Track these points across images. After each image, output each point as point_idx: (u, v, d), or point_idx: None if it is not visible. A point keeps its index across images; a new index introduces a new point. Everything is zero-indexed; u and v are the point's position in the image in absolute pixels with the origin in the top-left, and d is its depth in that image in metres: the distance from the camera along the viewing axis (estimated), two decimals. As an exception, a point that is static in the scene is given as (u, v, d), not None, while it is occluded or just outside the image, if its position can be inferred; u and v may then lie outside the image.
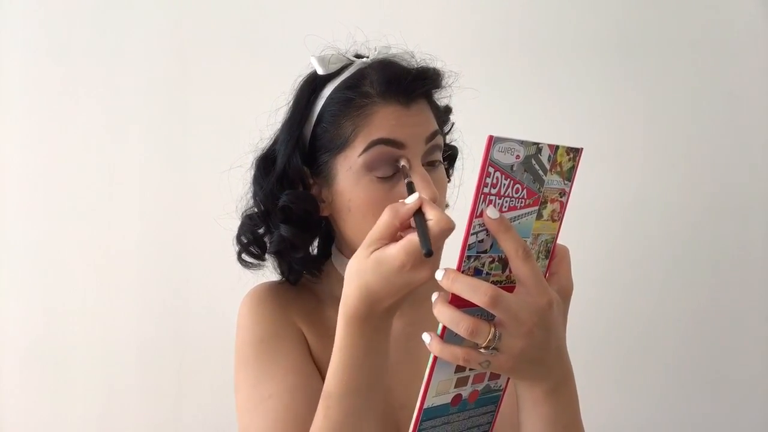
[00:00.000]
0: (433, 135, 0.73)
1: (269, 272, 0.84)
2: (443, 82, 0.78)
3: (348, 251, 0.78)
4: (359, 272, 0.58)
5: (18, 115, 1.45)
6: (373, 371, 0.62)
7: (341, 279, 0.78)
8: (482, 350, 0.52)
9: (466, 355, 0.52)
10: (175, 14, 1.43)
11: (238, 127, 1.38)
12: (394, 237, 0.57)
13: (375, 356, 0.62)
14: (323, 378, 0.73)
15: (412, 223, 0.57)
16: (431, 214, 0.55)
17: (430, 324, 0.81)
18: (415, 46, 0.80)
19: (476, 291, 0.51)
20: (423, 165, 0.72)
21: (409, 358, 0.80)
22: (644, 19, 1.39)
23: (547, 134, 0.70)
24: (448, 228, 0.55)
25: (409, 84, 0.72)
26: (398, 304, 0.59)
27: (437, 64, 0.78)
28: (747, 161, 1.38)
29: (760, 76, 1.37)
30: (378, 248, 0.57)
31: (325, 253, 0.86)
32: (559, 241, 0.59)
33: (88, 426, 1.47)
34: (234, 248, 0.81)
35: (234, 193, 0.84)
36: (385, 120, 0.70)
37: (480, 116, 0.88)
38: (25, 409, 1.47)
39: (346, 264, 0.75)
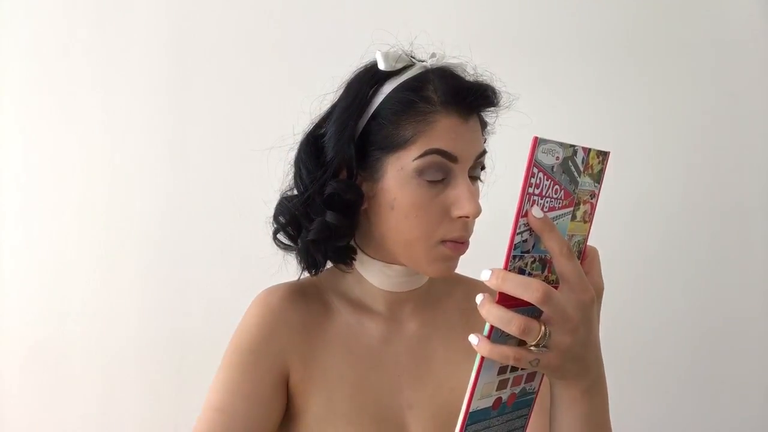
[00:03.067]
0: (482, 154, 0.76)
1: (270, 274, 0.82)
2: (499, 103, 0.78)
3: (374, 249, 0.78)
4: None
5: (18, 115, 1.48)
6: None
7: (359, 279, 0.81)
8: (532, 348, 0.52)
9: (517, 354, 0.52)
10: (175, 14, 1.47)
11: (239, 127, 1.41)
12: None
13: None
14: (313, 388, 0.77)
15: None
16: None
17: (443, 326, 0.82)
18: (416, 46, 0.81)
19: (528, 288, 0.51)
20: None
21: (419, 358, 0.81)
22: (645, 22, 1.42)
23: (547, 136, 0.70)
24: None
25: (472, 99, 0.73)
26: None
27: (496, 84, 0.78)
28: (748, 161, 1.39)
29: (760, 76, 1.39)
30: None
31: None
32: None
33: (88, 426, 1.46)
34: (270, 227, 0.80)
35: (235, 194, 0.84)
36: (445, 131, 0.71)
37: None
38: (26, 408, 1.47)
39: (365, 262, 0.80)
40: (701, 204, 1.41)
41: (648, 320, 1.41)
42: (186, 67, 1.47)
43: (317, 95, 0.79)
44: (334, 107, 0.78)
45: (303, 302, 0.81)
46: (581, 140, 0.55)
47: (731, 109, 1.40)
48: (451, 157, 0.71)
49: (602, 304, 0.58)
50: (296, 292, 0.82)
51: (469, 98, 0.73)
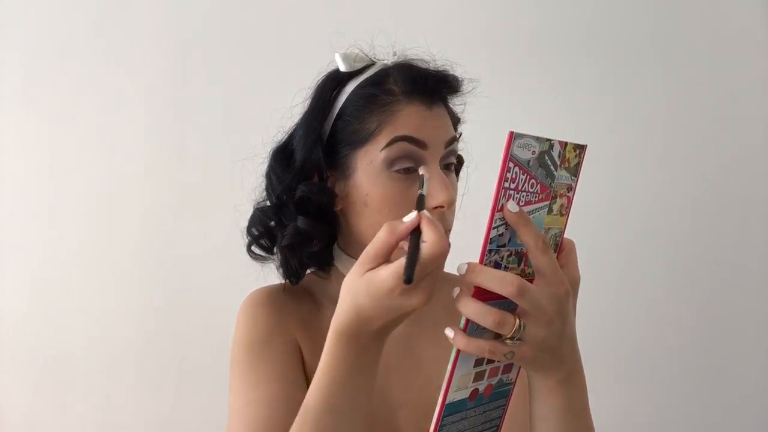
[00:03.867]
0: (452, 140, 0.75)
1: (269, 274, 0.83)
2: (462, 89, 0.79)
3: (354, 249, 0.78)
4: (351, 291, 0.57)
5: (18, 115, 1.46)
6: (356, 391, 0.61)
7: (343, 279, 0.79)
8: (507, 341, 0.53)
9: (492, 347, 0.53)
10: (176, 14, 1.45)
11: (239, 127, 1.41)
12: (389, 255, 0.56)
13: (360, 376, 0.60)
14: None
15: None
16: (427, 235, 0.53)
17: (429, 324, 0.81)
18: (413, 47, 0.81)
19: (503, 282, 0.51)
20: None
21: (408, 357, 0.81)
22: (645, 22, 1.41)
23: (523, 130, 0.72)
24: (441, 253, 0.53)
25: (432, 85, 0.74)
26: (391, 326, 0.58)
27: (457, 71, 0.79)
28: (747, 161, 1.39)
29: (760, 76, 1.38)
30: (372, 268, 0.56)
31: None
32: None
33: (88, 426, 1.47)
34: (244, 240, 0.81)
35: (236, 192, 0.84)
36: (409, 118, 0.71)
37: (477, 120, 0.88)
38: (26, 408, 1.48)
39: (348, 264, 0.76)
40: (699, 204, 1.40)
41: (639, 319, 1.40)
42: (186, 68, 1.46)
43: (285, 107, 0.80)
44: (302, 116, 0.78)
45: (295, 301, 0.81)
46: (577, 140, 0.56)
47: (726, 107, 1.39)
48: (418, 143, 0.71)
49: (595, 304, 0.59)
50: (287, 291, 0.82)
51: (429, 84, 0.73)
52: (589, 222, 1.24)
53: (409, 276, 0.50)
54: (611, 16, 1.42)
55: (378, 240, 0.55)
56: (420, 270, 0.51)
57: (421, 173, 0.68)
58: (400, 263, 0.53)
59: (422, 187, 0.63)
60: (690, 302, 1.40)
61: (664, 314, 1.40)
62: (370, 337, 0.58)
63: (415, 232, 0.54)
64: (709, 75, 1.39)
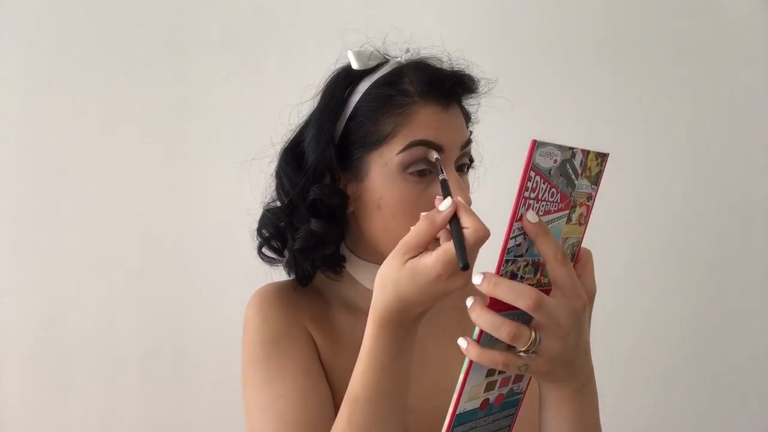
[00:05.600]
0: (468, 143, 0.74)
1: (272, 273, 0.82)
2: (478, 89, 0.78)
3: (365, 251, 0.77)
4: (393, 281, 0.58)
5: (18, 115, 1.46)
6: (402, 375, 0.63)
7: (353, 281, 0.78)
8: (521, 354, 0.52)
9: (506, 359, 0.52)
10: (176, 13, 1.45)
11: (240, 127, 1.41)
12: (428, 245, 0.58)
13: (405, 360, 0.63)
14: (330, 381, 0.74)
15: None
16: (467, 222, 0.56)
17: (437, 326, 0.81)
18: (427, 46, 0.80)
19: (520, 295, 0.51)
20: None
21: (416, 360, 0.79)
22: (661, 23, 1.41)
23: (545, 138, 0.71)
24: (485, 237, 0.55)
25: (449, 86, 0.72)
26: (430, 309, 0.61)
27: (474, 71, 0.77)
28: (751, 162, 1.39)
29: (762, 77, 1.39)
30: (413, 257, 0.57)
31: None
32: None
33: (89, 426, 1.47)
34: (254, 241, 0.79)
35: (242, 193, 0.82)
36: (426, 121, 0.70)
37: (491, 122, 0.86)
38: (27, 409, 1.48)
39: (357, 265, 0.77)
40: (702, 205, 1.40)
41: (647, 321, 1.41)
42: (186, 68, 1.45)
43: (294, 104, 0.77)
44: (312, 114, 0.76)
45: (305, 298, 0.80)
46: (577, 141, 0.54)
47: (729, 108, 1.39)
48: (435, 147, 0.69)
49: (598, 305, 0.58)
50: (292, 286, 0.81)
51: (446, 85, 0.72)
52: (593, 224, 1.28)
53: (465, 262, 0.53)
54: (626, 17, 1.41)
55: (419, 231, 0.57)
56: (469, 254, 0.54)
57: (435, 158, 0.69)
58: (444, 250, 0.55)
59: (442, 172, 0.66)
60: (689, 304, 1.41)
61: (663, 316, 1.41)
62: (413, 321, 0.61)
63: (454, 219, 0.57)
64: (710, 75, 1.40)
